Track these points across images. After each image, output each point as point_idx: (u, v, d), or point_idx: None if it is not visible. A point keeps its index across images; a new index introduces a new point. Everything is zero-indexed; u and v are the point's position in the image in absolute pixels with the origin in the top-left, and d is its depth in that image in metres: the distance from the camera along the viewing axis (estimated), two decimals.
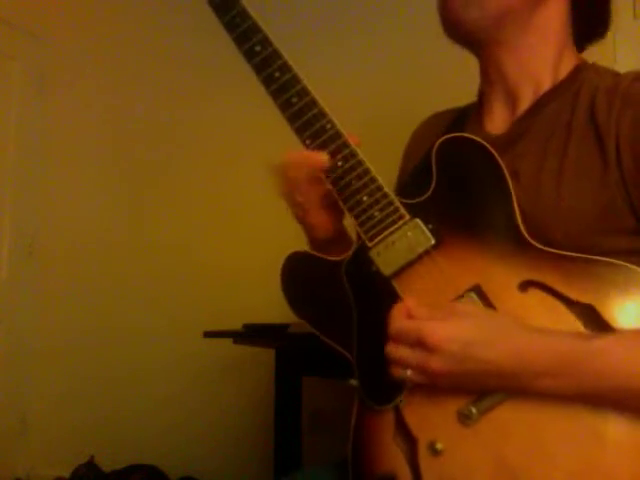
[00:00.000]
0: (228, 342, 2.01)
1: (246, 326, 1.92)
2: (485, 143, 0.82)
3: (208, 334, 1.94)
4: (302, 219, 0.90)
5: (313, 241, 0.93)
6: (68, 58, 2.91)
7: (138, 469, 2.45)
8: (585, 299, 0.72)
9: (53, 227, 2.88)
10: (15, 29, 2.81)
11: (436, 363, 0.71)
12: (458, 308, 0.75)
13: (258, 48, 0.88)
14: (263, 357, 2.09)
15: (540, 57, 0.89)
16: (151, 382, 2.62)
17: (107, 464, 2.49)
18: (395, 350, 0.74)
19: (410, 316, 0.74)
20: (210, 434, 2.52)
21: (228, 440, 2.49)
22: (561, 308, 0.73)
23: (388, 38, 2.42)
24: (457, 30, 0.90)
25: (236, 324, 1.96)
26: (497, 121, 0.92)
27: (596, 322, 0.71)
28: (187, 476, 2.48)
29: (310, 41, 2.41)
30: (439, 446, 0.73)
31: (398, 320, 0.74)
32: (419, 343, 0.71)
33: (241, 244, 2.53)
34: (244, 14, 0.89)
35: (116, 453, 2.52)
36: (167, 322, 2.63)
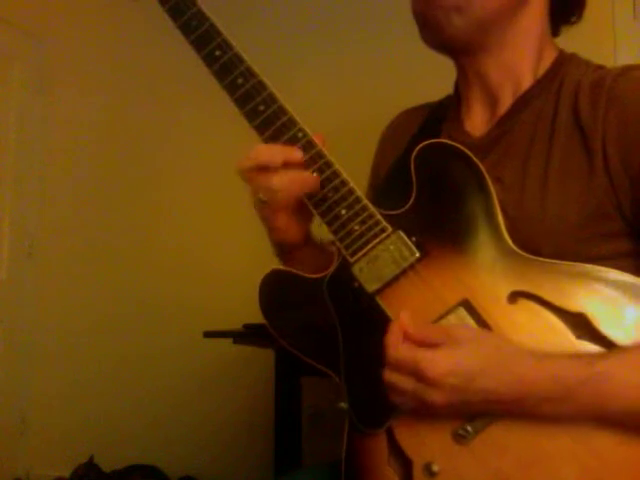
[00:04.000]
0: (228, 342, 2.01)
1: (246, 326, 1.92)
2: (467, 150, 0.78)
3: (208, 334, 1.94)
4: (268, 221, 0.84)
5: (278, 245, 0.88)
6: (68, 58, 2.91)
7: (138, 469, 2.46)
8: (575, 308, 0.71)
9: (53, 227, 2.88)
10: (15, 29, 2.81)
11: (435, 397, 0.68)
12: (454, 334, 0.70)
13: (218, 53, 0.81)
14: (263, 357, 2.09)
15: (522, 55, 0.86)
16: (151, 382, 2.62)
17: (107, 464, 2.49)
18: (393, 377, 0.70)
19: (406, 337, 0.70)
20: (210, 434, 2.52)
21: (228, 440, 2.49)
22: (552, 318, 0.71)
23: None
24: (438, 38, 0.85)
25: (236, 324, 1.96)
26: (477, 121, 0.89)
27: (587, 330, 0.70)
28: (187, 476, 2.48)
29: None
30: (435, 467, 0.71)
31: (394, 346, 0.70)
32: (417, 376, 0.68)
33: (241, 244, 2.53)
34: (200, 16, 0.83)
35: (116, 453, 2.52)
36: (167, 322, 2.63)
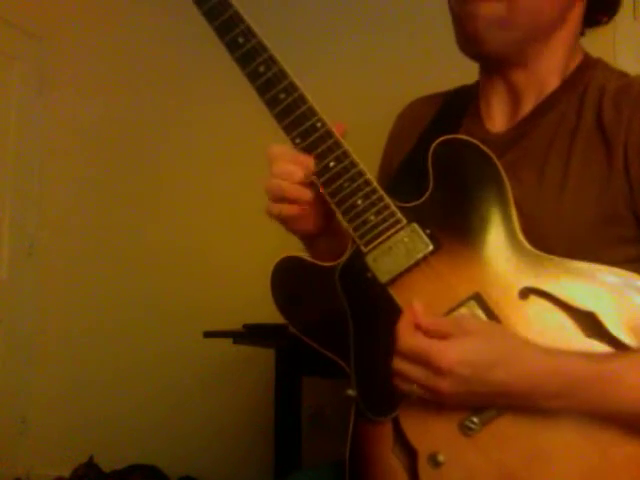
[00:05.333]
0: (228, 342, 2.01)
1: (246, 326, 1.93)
2: (486, 148, 0.79)
3: (208, 334, 1.94)
4: (286, 226, 0.86)
5: (300, 238, 0.90)
6: (68, 58, 2.90)
7: (138, 469, 2.45)
8: (586, 306, 0.71)
9: (53, 227, 2.88)
10: (15, 29, 2.80)
11: (445, 385, 0.68)
12: (466, 324, 0.72)
13: (241, 40, 0.81)
14: (263, 357, 2.09)
15: (552, 63, 0.86)
16: (151, 382, 2.62)
17: (107, 464, 2.49)
18: (402, 366, 0.71)
19: (417, 327, 0.71)
20: (210, 434, 2.52)
21: (228, 440, 2.49)
22: (561, 315, 0.72)
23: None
24: (477, 50, 0.85)
25: (236, 324, 1.96)
26: (497, 119, 0.89)
27: (597, 330, 0.71)
28: (187, 476, 2.48)
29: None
30: (441, 458, 0.72)
31: (405, 335, 0.71)
32: (427, 366, 0.69)
33: (241, 244, 2.53)
34: (225, 3, 0.83)
35: (116, 453, 2.52)
36: (167, 322, 2.63)
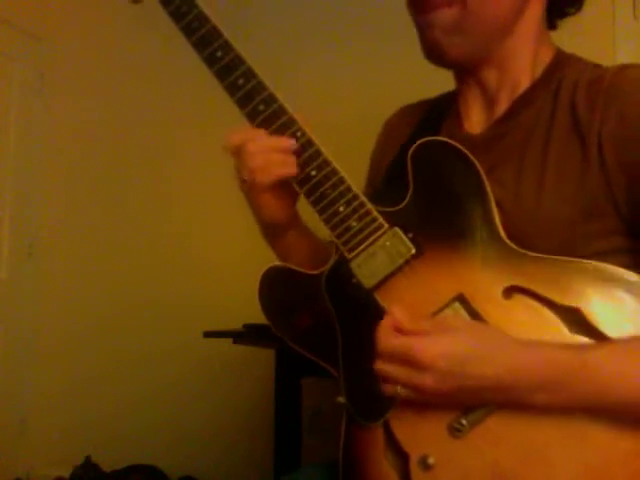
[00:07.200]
0: (228, 342, 2.01)
1: (246, 326, 1.93)
2: (463, 148, 0.79)
3: (208, 334, 1.94)
4: (251, 199, 0.87)
5: (263, 225, 0.91)
6: (68, 58, 2.91)
7: (138, 469, 2.46)
8: (570, 302, 0.71)
9: (53, 227, 2.88)
10: (15, 29, 2.80)
11: (429, 381, 0.68)
12: (447, 322, 0.72)
13: (219, 54, 0.83)
14: (263, 357, 2.09)
15: (520, 59, 0.86)
16: (151, 382, 2.62)
17: (107, 464, 2.49)
18: (384, 367, 0.71)
19: (398, 330, 0.71)
20: (210, 434, 2.52)
21: (228, 440, 2.49)
22: (546, 313, 0.72)
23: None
24: (440, 59, 0.85)
25: (236, 324, 1.96)
26: (474, 120, 0.89)
27: (582, 325, 0.70)
28: (187, 476, 2.48)
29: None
30: (431, 460, 0.72)
31: (386, 337, 0.71)
32: (409, 361, 0.69)
33: (241, 244, 2.53)
34: (202, 18, 0.84)
35: (116, 453, 2.52)
36: (167, 322, 2.63)
